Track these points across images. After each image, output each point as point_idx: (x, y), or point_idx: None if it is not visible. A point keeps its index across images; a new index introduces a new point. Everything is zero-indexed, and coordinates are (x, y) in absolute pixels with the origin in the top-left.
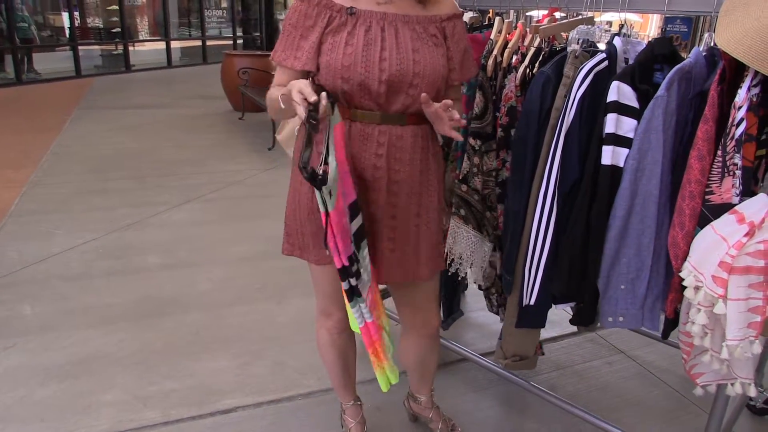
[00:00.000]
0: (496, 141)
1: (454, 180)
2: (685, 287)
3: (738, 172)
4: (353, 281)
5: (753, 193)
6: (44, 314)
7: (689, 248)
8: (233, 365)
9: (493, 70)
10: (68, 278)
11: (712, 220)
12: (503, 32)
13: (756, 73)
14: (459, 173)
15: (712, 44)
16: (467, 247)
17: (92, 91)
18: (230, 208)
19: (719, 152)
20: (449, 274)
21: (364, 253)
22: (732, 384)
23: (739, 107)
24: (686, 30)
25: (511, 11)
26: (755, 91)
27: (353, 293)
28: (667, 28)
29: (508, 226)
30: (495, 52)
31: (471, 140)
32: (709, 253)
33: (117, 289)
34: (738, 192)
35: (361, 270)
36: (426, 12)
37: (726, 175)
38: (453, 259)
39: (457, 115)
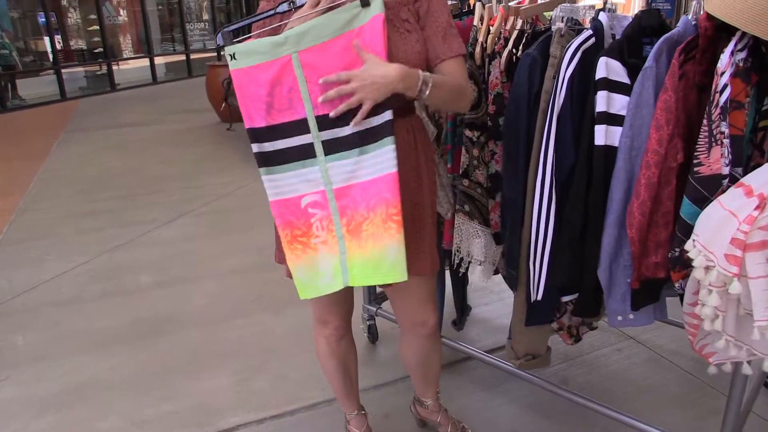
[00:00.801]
0: (486, 131)
1: (448, 174)
2: (682, 266)
3: (726, 141)
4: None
5: (757, 167)
6: (37, 343)
7: (644, 218)
8: (233, 382)
9: (482, 58)
10: (60, 304)
11: (702, 192)
12: (485, 18)
13: (741, 37)
14: (450, 167)
15: (701, 12)
16: (477, 244)
17: (78, 113)
18: (221, 221)
19: (704, 121)
20: (459, 273)
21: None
22: (748, 363)
23: (722, 73)
24: (670, 7)
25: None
26: (741, 56)
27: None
28: (651, 5)
29: (507, 217)
30: (480, 39)
31: (468, 132)
32: (719, 231)
33: (110, 311)
34: (728, 162)
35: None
36: None
37: (714, 144)
38: (462, 258)
39: None
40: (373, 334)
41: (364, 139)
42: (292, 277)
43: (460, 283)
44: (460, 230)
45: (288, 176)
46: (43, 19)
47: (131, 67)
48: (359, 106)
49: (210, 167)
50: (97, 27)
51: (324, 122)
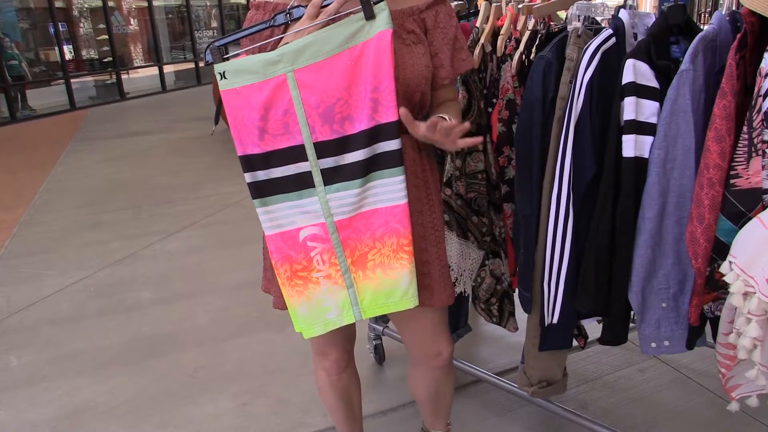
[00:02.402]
0: (498, 137)
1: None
2: (712, 288)
3: None
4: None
5: None
6: (31, 364)
7: (710, 244)
8: (233, 407)
9: (481, 61)
10: (57, 322)
11: (739, 207)
12: (491, 18)
13: None
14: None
15: (734, 7)
16: (454, 254)
17: (87, 122)
18: (226, 232)
19: (744, 129)
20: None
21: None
22: None
23: (766, 74)
24: (684, 1)
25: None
26: None
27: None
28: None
29: (520, 234)
30: (482, 40)
31: None
32: (761, 253)
33: (109, 330)
34: None
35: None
36: (399, 4)
37: (754, 154)
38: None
39: (453, 122)
40: (379, 354)
41: (369, 167)
42: (283, 309)
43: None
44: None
45: (284, 207)
46: (53, 30)
47: (140, 75)
48: (357, 134)
49: (217, 176)
50: (106, 36)
51: (323, 149)
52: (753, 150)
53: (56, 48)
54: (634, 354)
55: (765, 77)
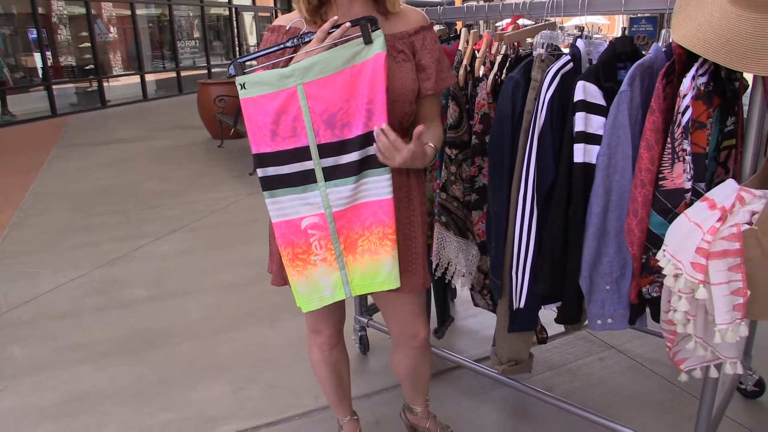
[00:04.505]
0: (471, 149)
1: (435, 190)
2: (648, 273)
3: (688, 158)
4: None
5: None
6: (34, 354)
7: (643, 234)
8: (228, 391)
9: (465, 80)
10: (56, 317)
11: (666, 204)
12: (470, 42)
13: (702, 63)
14: (439, 183)
15: (670, 40)
16: (452, 252)
17: (69, 129)
18: (215, 235)
19: (668, 139)
20: (443, 281)
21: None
22: (717, 367)
23: (684, 95)
24: (652, 29)
25: (481, 22)
26: (702, 80)
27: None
28: (633, 28)
29: (492, 229)
30: (465, 62)
31: (447, 150)
32: (686, 241)
33: (106, 324)
34: (690, 177)
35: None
36: (392, 29)
37: (676, 161)
38: (439, 264)
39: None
40: (364, 344)
41: (362, 166)
42: (279, 286)
43: (442, 293)
44: (440, 239)
45: (290, 199)
46: (35, 36)
47: (122, 83)
48: (353, 139)
49: (203, 183)
50: (88, 44)
51: (325, 150)
52: (676, 157)
53: (38, 54)
54: (594, 345)
55: (683, 97)
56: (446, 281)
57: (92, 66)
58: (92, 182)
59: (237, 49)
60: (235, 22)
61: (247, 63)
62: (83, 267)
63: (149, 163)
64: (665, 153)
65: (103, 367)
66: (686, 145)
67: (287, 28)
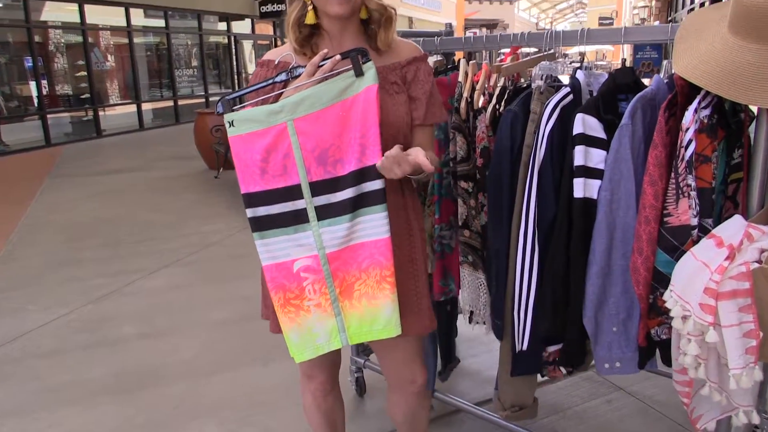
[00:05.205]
0: (476, 183)
1: (434, 225)
2: (656, 313)
3: (693, 194)
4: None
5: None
6: (18, 396)
7: (649, 273)
8: None
9: (467, 112)
10: (42, 356)
11: (672, 242)
12: (469, 74)
13: (705, 95)
14: (438, 218)
15: (672, 71)
16: (483, 294)
17: (63, 159)
18: (208, 270)
19: (672, 174)
20: (448, 319)
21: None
22: (735, 415)
23: (687, 129)
24: (657, 56)
25: (483, 52)
26: (705, 113)
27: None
28: (638, 55)
29: (492, 267)
30: (465, 94)
31: (463, 183)
32: (693, 281)
33: (94, 363)
34: (695, 213)
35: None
36: (384, 61)
37: (681, 196)
38: (475, 312)
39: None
40: (360, 386)
41: (357, 204)
42: (279, 332)
43: (446, 332)
44: (466, 282)
45: (281, 240)
46: (30, 64)
47: (118, 113)
48: (347, 175)
49: (198, 215)
50: (85, 72)
51: (318, 188)
52: (680, 192)
53: (33, 83)
54: (601, 386)
55: (686, 131)
56: (451, 323)
57: (88, 95)
58: (84, 214)
59: (236, 77)
60: (234, 51)
61: (237, 99)
62: (72, 303)
63: (144, 194)
64: (669, 188)
65: (89, 408)
66: (690, 180)
67: (276, 62)
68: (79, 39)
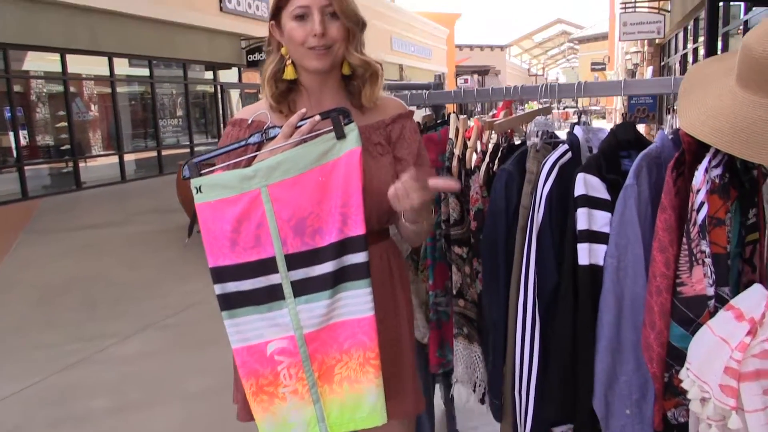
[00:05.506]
0: (470, 248)
1: (428, 292)
2: (672, 394)
3: (708, 260)
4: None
5: (750, 283)
6: None
7: (663, 349)
8: None
9: (458, 172)
10: None
11: (687, 314)
12: (460, 130)
13: (715, 153)
14: (432, 284)
15: (676, 126)
16: (480, 367)
17: (40, 212)
18: (187, 334)
19: (684, 240)
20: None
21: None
22: None
23: (698, 190)
24: (651, 101)
25: (479, 105)
26: (716, 172)
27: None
28: (632, 101)
29: (489, 340)
30: (457, 152)
31: (456, 249)
32: (711, 359)
33: None
34: (711, 282)
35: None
36: (368, 119)
37: (695, 263)
38: (476, 389)
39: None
40: None
41: (338, 278)
42: (249, 420)
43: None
44: (460, 356)
45: (253, 320)
46: (9, 114)
47: (99, 164)
48: (327, 247)
49: (178, 273)
50: (65, 123)
51: (294, 261)
52: (694, 259)
53: (12, 133)
54: None
55: (697, 193)
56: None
57: (68, 146)
58: (59, 272)
59: (222, 127)
60: (220, 100)
61: (206, 163)
62: (40, 371)
63: (122, 251)
64: (681, 255)
65: None
66: (704, 246)
67: (250, 121)
68: (60, 89)
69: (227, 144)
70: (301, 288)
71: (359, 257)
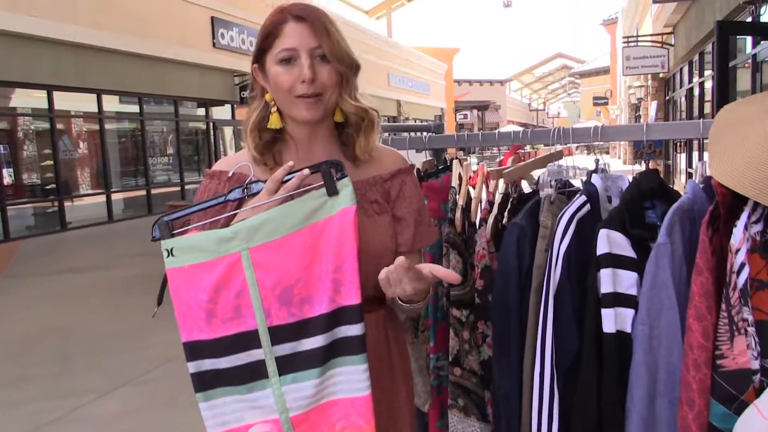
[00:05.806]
0: (473, 310)
1: (428, 355)
2: None
3: (751, 329)
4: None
5: None
6: None
7: (703, 430)
8: None
9: (462, 224)
10: None
11: (729, 390)
12: (464, 177)
13: (755, 206)
14: (433, 346)
15: (707, 173)
16: None
17: (21, 255)
18: (168, 391)
19: (723, 306)
20: None
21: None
22: None
23: (737, 250)
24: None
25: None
26: (757, 228)
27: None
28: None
29: (501, 416)
30: (460, 202)
31: (455, 311)
32: None
33: None
34: (756, 354)
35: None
36: (363, 173)
37: (736, 333)
38: None
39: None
40: None
41: (330, 353)
42: None
43: None
44: (456, 431)
45: (231, 401)
46: None
47: (86, 203)
48: (317, 318)
49: (162, 321)
50: (51, 161)
51: (279, 334)
52: (735, 328)
53: None
54: None
55: (736, 253)
56: None
57: (54, 185)
58: (35, 321)
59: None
60: (213, 137)
61: (179, 221)
62: None
63: (105, 297)
64: (721, 323)
65: None
66: (746, 314)
67: (230, 174)
68: (47, 126)
69: (204, 200)
70: (287, 365)
71: (354, 329)
